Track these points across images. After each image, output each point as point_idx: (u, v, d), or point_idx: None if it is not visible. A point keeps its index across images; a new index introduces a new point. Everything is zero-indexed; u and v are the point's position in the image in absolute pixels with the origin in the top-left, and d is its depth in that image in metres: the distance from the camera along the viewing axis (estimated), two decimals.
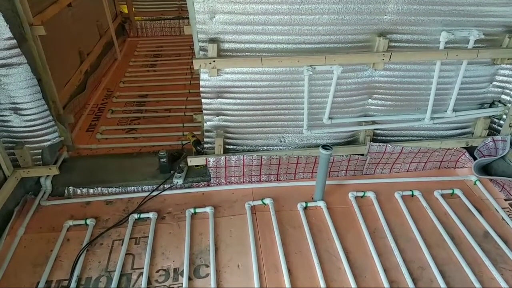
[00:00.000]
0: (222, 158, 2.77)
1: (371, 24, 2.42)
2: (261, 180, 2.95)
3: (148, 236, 2.46)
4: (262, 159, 2.81)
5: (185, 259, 2.30)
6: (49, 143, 2.77)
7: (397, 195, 2.79)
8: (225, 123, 2.73)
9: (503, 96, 2.88)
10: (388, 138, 2.97)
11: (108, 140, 3.54)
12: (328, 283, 2.17)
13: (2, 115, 2.55)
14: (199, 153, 2.86)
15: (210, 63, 2.39)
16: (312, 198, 2.78)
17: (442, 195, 2.79)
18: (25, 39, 2.60)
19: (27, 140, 2.69)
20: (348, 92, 2.67)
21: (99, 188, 2.85)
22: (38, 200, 2.75)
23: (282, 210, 2.68)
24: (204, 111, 2.66)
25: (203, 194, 2.86)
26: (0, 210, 2.46)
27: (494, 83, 2.83)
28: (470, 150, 3.03)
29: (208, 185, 2.93)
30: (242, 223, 2.58)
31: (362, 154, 2.92)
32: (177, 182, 2.84)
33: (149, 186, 2.86)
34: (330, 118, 2.72)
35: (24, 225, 2.55)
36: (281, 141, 2.88)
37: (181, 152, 3.08)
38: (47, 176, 2.84)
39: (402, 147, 2.89)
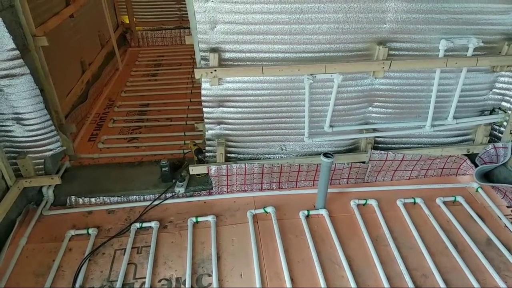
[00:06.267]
0: (224, 166, 2.77)
1: (371, 33, 2.45)
2: (263, 188, 2.95)
3: (150, 246, 2.46)
4: (264, 168, 2.82)
5: (187, 269, 2.29)
6: (51, 152, 2.78)
7: (399, 203, 2.78)
8: (227, 132, 2.74)
9: (503, 103, 2.89)
10: (389, 145, 2.97)
11: (110, 150, 3.54)
12: None
13: (5, 125, 2.57)
14: (200, 161, 2.86)
15: (211, 73, 2.41)
16: (314, 206, 2.78)
17: (444, 203, 2.79)
18: (27, 50, 2.63)
19: (30, 150, 2.70)
20: (349, 100, 2.69)
21: (101, 198, 2.85)
22: (40, 209, 2.75)
23: (284, 219, 2.67)
24: (205, 120, 2.67)
25: (205, 202, 2.85)
26: (2, 220, 2.46)
27: (494, 90, 2.85)
28: (471, 157, 3.04)
29: (210, 194, 2.93)
30: (244, 231, 2.57)
31: (364, 162, 2.93)
32: (179, 191, 2.84)
33: (151, 195, 2.86)
34: (331, 126, 2.73)
35: (26, 235, 2.55)
36: (282, 149, 2.88)
37: (182, 161, 3.09)
38: (49, 185, 2.84)
39: (404, 155, 2.89)
